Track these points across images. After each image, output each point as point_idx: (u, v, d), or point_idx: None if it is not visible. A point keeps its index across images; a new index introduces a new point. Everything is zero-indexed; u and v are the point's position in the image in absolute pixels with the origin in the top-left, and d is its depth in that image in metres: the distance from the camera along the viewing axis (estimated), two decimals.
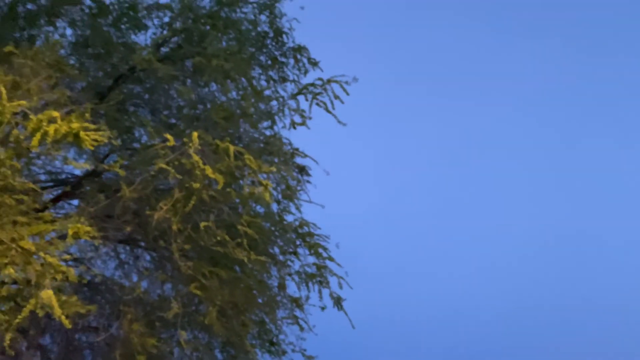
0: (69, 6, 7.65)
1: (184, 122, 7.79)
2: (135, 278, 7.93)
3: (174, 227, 6.89)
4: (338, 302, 8.07)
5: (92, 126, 6.14)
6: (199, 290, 7.19)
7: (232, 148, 6.85)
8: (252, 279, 7.66)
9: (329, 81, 7.31)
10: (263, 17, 8.18)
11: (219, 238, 6.99)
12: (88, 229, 6.17)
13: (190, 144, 6.65)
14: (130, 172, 7.11)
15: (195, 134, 6.65)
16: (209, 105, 7.95)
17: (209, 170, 6.68)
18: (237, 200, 7.27)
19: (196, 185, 6.72)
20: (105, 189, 7.24)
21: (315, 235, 7.97)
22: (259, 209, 7.83)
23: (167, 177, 6.88)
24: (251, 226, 7.18)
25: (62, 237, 6.48)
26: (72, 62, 7.93)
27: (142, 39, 8.16)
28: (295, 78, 8.23)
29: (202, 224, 6.91)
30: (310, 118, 7.54)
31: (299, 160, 8.24)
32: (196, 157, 6.67)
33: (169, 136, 6.67)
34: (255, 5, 8.11)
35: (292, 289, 8.07)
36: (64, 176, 7.99)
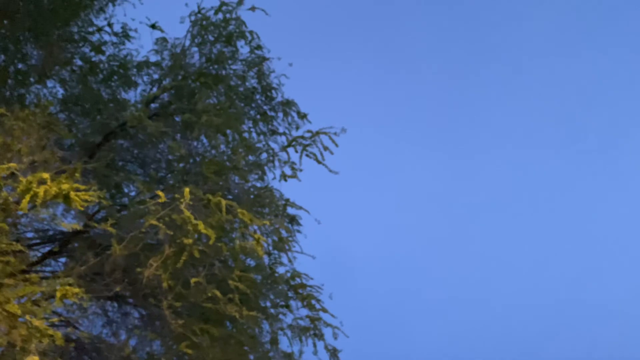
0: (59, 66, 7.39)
1: (174, 176, 7.47)
2: (123, 336, 7.41)
3: (164, 284, 6.47)
4: (334, 354, 7.63)
5: (82, 187, 5.79)
6: (189, 349, 6.70)
7: (223, 202, 6.51)
8: (244, 335, 7.19)
9: (317, 133, 7.08)
10: (252, 73, 7.99)
11: (209, 294, 6.57)
12: (77, 290, 5.73)
13: (182, 200, 6.31)
14: (120, 228, 6.71)
15: (187, 190, 6.31)
16: (198, 159, 7.65)
17: (201, 226, 6.33)
18: (228, 254, 6.89)
19: (188, 241, 6.35)
20: (94, 246, 6.82)
21: (308, 287, 7.57)
22: (250, 261, 7.48)
23: (157, 233, 6.49)
24: (242, 281, 6.78)
25: (50, 296, 6.04)
26: (61, 117, 7.64)
27: (132, 95, 7.93)
28: (286, 131, 8.00)
29: (193, 280, 6.50)
30: (300, 170, 7.27)
31: (290, 210, 7.94)
32: (187, 213, 6.32)
33: (160, 193, 6.33)
34: (243, 62, 7.94)
35: (285, 343, 7.61)
36: (51, 232, 7.56)
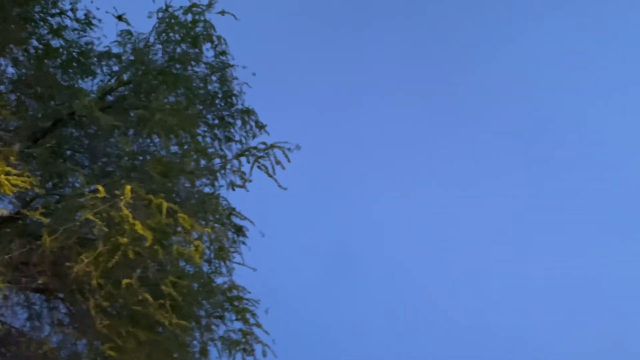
0: (13, 45, 7.02)
1: (120, 172, 7.14)
2: (47, 331, 7.00)
3: (94, 282, 6.12)
4: None
5: (15, 171, 5.43)
6: (113, 351, 6.34)
7: (165, 204, 6.21)
8: (173, 342, 6.85)
9: (272, 146, 6.87)
10: (214, 78, 7.76)
11: (140, 297, 6.24)
12: None
13: (122, 197, 6.00)
14: (54, 219, 6.35)
15: (128, 188, 6.01)
16: (149, 157, 7.35)
17: (138, 226, 6.02)
18: (165, 258, 6.57)
19: (123, 240, 6.03)
20: (25, 234, 6.43)
21: (245, 300, 7.30)
22: (189, 268, 7.18)
23: (92, 229, 6.16)
24: (177, 287, 6.47)
25: None
26: (12, 98, 7.25)
27: (89, 84, 7.60)
28: (242, 139, 7.77)
29: (125, 281, 6.16)
30: (250, 181, 7.03)
31: (237, 220, 7.68)
32: (126, 211, 6.01)
33: (99, 187, 6.00)
34: (207, 65, 7.71)
35: (214, 354, 7.30)
36: None
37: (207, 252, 7.22)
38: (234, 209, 7.19)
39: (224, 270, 7.49)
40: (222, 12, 7.41)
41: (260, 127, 7.65)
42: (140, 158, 7.45)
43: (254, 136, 7.45)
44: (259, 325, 7.23)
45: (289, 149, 6.85)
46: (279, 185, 6.84)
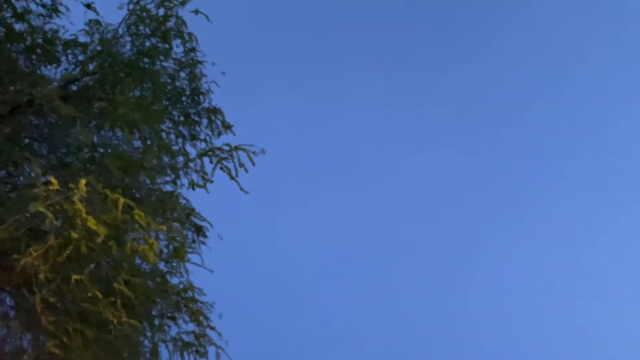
0: None
1: (80, 164, 6.87)
2: None
3: (41, 276, 5.84)
4: None
5: None
6: (57, 349, 6.06)
7: (121, 200, 5.97)
8: (123, 341, 6.60)
9: (236, 148, 6.68)
10: (183, 74, 7.56)
11: (90, 294, 5.98)
12: None
13: (76, 191, 5.74)
14: (5, 209, 6.05)
15: (82, 181, 5.75)
16: (110, 151, 7.09)
17: (91, 221, 5.76)
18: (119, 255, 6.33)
19: (74, 234, 5.77)
20: None
21: (199, 302, 7.09)
22: (146, 267, 6.95)
23: (44, 221, 5.88)
24: (129, 285, 6.23)
25: None
26: None
27: (53, 72, 7.30)
28: (208, 138, 7.58)
29: (74, 277, 5.90)
30: (211, 181, 6.83)
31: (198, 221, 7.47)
32: (79, 205, 5.75)
33: (52, 179, 5.73)
34: (176, 61, 7.49)
35: (165, 355, 7.06)
36: None
37: (165, 251, 7.02)
38: (193, 209, 6.99)
39: (181, 270, 7.28)
40: (196, 12, 7.22)
41: (227, 127, 7.47)
42: (101, 151, 7.20)
43: (219, 135, 7.26)
44: (212, 328, 7.03)
45: (254, 153, 6.68)
46: (241, 189, 6.67)
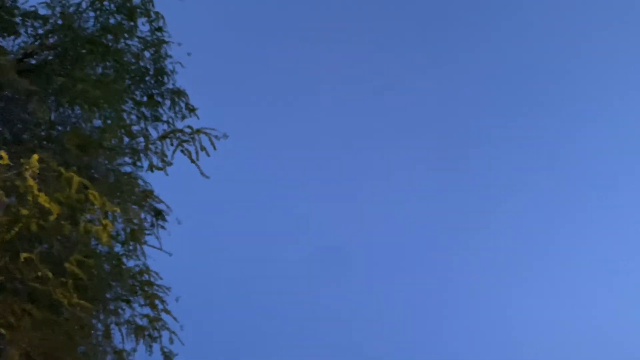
0: None
1: (36, 141, 6.61)
2: None
3: None
4: (169, 358, 7.01)
5: None
6: (5, 329, 5.83)
7: (76, 179, 5.76)
8: (74, 323, 6.40)
9: (198, 131, 6.52)
10: (147, 54, 7.32)
11: (40, 274, 5.76)
12: None
13: (27, 167, 5.51)
14: None
15: (35, 157, 5.52)
16: (69, 129, 6.84)
17: (43, 198, 5.54)
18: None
19: (24, 211, 5.54)
20: None
21: (155, 286, 6.92)
22: (103, 249, 6.74)
23: None
24: (82, 266, 6.03)
25: None
26: None
27: (10, 44, 6.98)
28: (170, 120, 7.37)
29: (23, 255, 5.68)
30: (171, 164, 6.65)
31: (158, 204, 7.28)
32: (31, 182, 5.52)
33: (3, 153, 5.49)
34: (141, 40, 7.25)
35: (117, 338, 6.89)
36: None
37: (122, 233, 6.83)
38: (151, 191, 6.80)
39: (138, 253, 7.10)
40: None
41: (191, 109, 7.28)
42: (60, 128, 6.94)
43: (183, 118, 7.06)
44: (167, 312, 6.88)
45: (216, 137, 6.53)
46: (201, 173, 6.52)
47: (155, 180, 7.20)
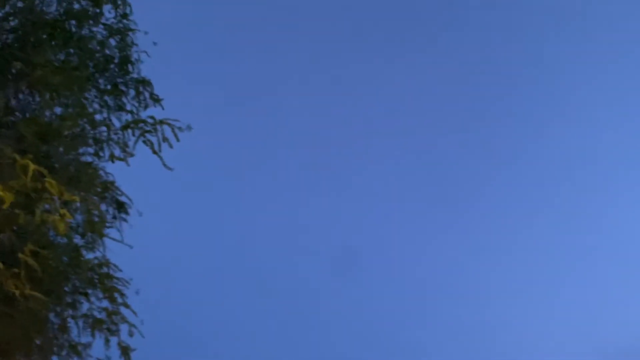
0: None
1: None
2: None
3: None
4: (126, 352, 6.85)
5: None
6: None
7: (32, 167, 5.57)
8: (28, 316, 6.20)
9: (161, 122, 6.37)
10: (113, 42, 7.12)
11: None
12: None
13: None
14: None
15: None
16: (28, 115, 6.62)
17: None
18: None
19: None
20: None
21: (115, 279, 6.76)
22: (62, 240, 6.55)
23: None
24: (38, 258, 5.84)
25: None
26: None
27: None
28: (134, 110, 7.19)
29: None
30: (132, 155, 6.49)
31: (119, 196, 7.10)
32: None
33: None
34: (107, 27, 7.06)
35: (74, 332, 6.70)
36: None
37: (82, 224, 6.65)
38: (112, 182, 6.62)
39: (98, 245, 6.92)
40: None
41: (155, 100, 7.11)
42: (18, 115, 6.70)
43: (146, 107, 6.90)
44: (126, 306, 6.72)
45: (179, 128, 6.39)
46: (164, 164, 6.37)
47: (117, 172, 7.04)
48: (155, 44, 7.01)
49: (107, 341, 6.72)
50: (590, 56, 13.31)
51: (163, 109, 7.13)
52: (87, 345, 6.68)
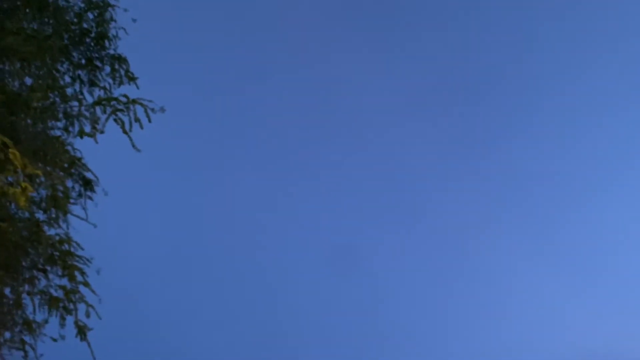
0: None
1: None
2: None
3: None
4: (82, 331, 6.68)
5: None
6: None
7: None
8: None
9: (133, 101, 6.21)
10: (91, 15, 6.91)
11: None
12: None
13: None
14: None
15: None
16: None
17: None
18: None
19: None
20: None
21: (76, 257, 6.58)
22: (25, 214, 6.35)
23: None
24: None
25: None
26: None
27: None
28: (108, 86, 6.99)
29: None
30: (102, 132, 6.31)
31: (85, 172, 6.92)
32: None
33: None
34: (85, 0, 6.84)
35: (30, 309, 6.52)
36: None
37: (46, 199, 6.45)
38: (79, 158, 6.44)
39: (60, 222, 6.73)
40: None
41: (131, 78, 6.92)
42: None
43: (121, 84, 6.71)
44: (86, 284, 6.56)
45: (152, 109, 6.23)
46: (133, 146, 6.22)
47: (86, 149, 6.85)
48: (134, 20, 6.82)
49: (62, 319, 6.55)
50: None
51: (138, 88, 6.96)
52: (42, 324, 6.49)
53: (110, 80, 6.92)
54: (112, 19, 6.96)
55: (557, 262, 12.38)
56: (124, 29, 6.89)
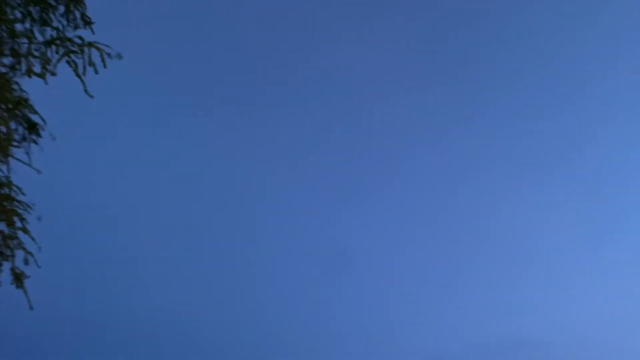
0: None
1: None
2: None
3: None
4: (19, 278, 6.41)
5: None
6: None
7: None
8: None
9: (90, 44, 5.86)
10: None
11: None
12: None
13: None
14: None
15: None
16: None
17: None
18: None
19: None
20: None
21: (16, 201, 6.25)
22: None
23: None
24: None
25: None
26: None
27: None
28: (60, 27, 6.56)
29: None
30: (53, 73, 5.95)
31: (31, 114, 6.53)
32: None
33: None
34: None
35: None
36: None
37: None
38: (26, 100, 6.06)
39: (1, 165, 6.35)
40: None
41: (87, 22, 6.52)
42: None
43: (76, 28, 6.31)
44: (26, 231, 6.27)
45: (108, 54, 5.91)
46: (86, 91, 5.90)
47: (34, 90, 6.44)
48: None
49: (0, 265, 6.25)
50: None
51: (93, 33, 6.57)
52: None
53: (64, 21, 6.50)
54: None
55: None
56: None
